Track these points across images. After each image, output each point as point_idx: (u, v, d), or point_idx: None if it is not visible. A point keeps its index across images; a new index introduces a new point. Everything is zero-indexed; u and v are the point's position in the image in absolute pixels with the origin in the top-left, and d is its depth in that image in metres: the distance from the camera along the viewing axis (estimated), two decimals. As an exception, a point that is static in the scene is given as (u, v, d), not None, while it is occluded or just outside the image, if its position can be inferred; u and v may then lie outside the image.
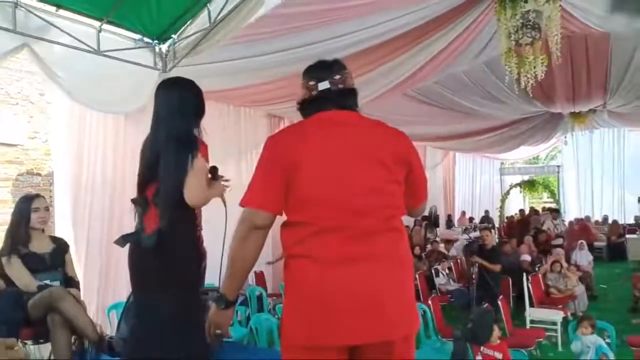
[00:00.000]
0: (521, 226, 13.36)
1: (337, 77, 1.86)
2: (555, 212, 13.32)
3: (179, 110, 2.47)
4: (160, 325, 2.36)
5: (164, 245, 2.34)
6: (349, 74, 1.91)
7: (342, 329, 1.62)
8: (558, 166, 18.32)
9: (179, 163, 2.36)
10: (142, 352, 2.41)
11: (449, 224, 15.15)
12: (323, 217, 1.67)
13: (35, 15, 3.64)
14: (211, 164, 2.52)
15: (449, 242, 10.53)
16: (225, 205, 2.55)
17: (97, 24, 4.08)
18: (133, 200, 2.53)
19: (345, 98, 1.87)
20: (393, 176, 1.77)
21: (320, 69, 1.90)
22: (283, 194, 1.71)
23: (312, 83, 1.87)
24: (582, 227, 13.16)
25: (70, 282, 3.50)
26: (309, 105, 1.87)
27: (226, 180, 2.63)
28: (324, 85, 1.84)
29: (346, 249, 1.66)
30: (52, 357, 3.16)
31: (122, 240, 2.48)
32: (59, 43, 3.82)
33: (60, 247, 3.55)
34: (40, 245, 3.43)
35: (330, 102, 1.83)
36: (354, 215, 1.68)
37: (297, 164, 1.69)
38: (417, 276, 7.05)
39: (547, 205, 16.82)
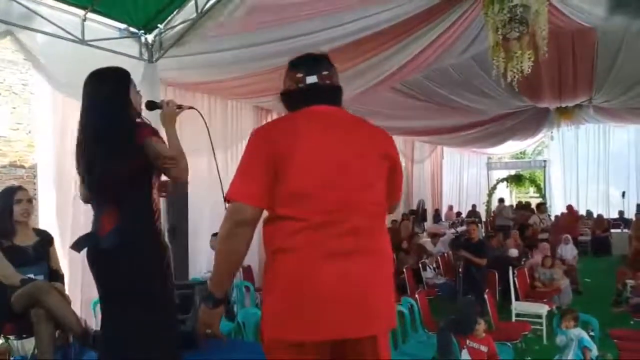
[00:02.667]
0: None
1: (325, 72, 1.82)
2: (541, 207, 13.41)
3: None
4: (127, 327, 2.29)
5: (125, 244, 2.23)
6: (336, 72, 1.87)
7: (330, 324, 1.60)
8: (544, 161, 18.46)
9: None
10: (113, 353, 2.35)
11: (437, 218, 15.23)
12: (314, 212, 1.63)
13: (18, 2, 3.54)
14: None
15: (435, 236, 10.57)
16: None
17: (81, 12, 4.00)
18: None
19: (332, 95, 1.83)
20: (380, 173, 1.77)
21: (308, 62, 1.85)
22: (270, 188, 1.65)
23: (299, 75, 1.81)
24: (571, 212, 13.08)
25: (55, 275, 3.43)
26: (295, 99, 1.82)
27: (179, 107, 2.45)
28: (312, 79, 1.79)
29: (335, 244, 1.63)
30: (35, 352, 3.11)
31: (76, 246, 2.34)
32: (42, 32, 3.73)
33: (45, 239, 3.48)
34: (23, 238, 3.35)
35: (317, 97, 1.79)
36: (345, 210, 1.66)
37: (287, 157, 1.64)
38: (404, 270, 7.08)
39: (531, 200, 16.94)
